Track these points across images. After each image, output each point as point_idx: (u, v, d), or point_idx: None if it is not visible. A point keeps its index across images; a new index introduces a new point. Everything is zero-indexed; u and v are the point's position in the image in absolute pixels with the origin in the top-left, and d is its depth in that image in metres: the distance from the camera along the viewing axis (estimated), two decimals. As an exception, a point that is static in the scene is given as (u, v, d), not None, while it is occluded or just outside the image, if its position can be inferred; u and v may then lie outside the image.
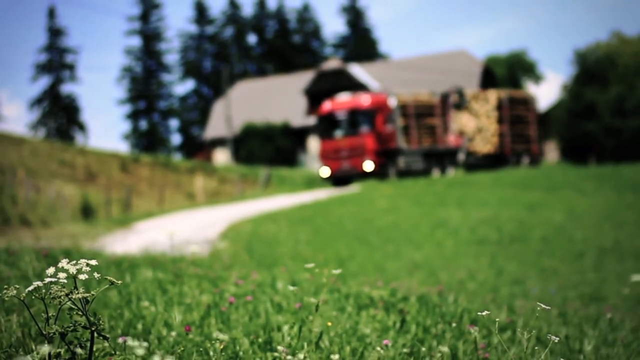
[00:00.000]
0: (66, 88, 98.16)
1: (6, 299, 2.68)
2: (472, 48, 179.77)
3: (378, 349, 3.36)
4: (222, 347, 3.37)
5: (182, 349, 3.35)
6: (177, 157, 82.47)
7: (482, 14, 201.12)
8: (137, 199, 39.81)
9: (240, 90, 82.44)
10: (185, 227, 21.13)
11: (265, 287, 5.89)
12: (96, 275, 2.71)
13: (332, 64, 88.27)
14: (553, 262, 15.28)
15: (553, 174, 41.50)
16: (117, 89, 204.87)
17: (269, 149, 65.84)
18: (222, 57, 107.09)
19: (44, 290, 2.75)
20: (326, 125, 34.46)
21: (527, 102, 45.21)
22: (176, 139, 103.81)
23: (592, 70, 66.01)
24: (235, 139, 69.74)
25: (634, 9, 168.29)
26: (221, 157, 73.30)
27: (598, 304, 10.05)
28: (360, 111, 33.89)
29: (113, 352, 2.90)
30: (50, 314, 2.94)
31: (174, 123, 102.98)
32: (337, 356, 3.37)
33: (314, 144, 66.72)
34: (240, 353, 3.60)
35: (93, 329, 2.74)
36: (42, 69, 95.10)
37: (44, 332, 2.71)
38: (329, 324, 3.93)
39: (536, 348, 3.45)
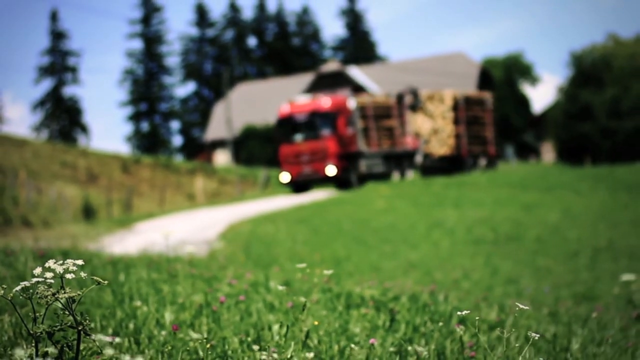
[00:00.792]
0: (68, 90, 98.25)
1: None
2: (469, 50, 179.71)
3: (357, 348, 3.35)
4: (209, 346, 3.37)
5: (169, 347, 3.34)
6: (177, 159, 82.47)
7: (480, 17, 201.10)
8: (138, 199, 39.81)
9: (240, 92, 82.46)
10: (186, 228, 21.13)
11: (259, 287, 5.89)
12: (83, 275, 2.71)
13: (331, 66, 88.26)
14: (547, 261, 15.28)
15: (549, 174, 41.52)
16: (119, 91, 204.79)
17: (268, 151, 65.85)
18: (223, 60, 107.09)
19: (31, 290, 2.75)
20: (285, 128, 32.88)
21: (483, 103, 43.32)
22: (177, 140, 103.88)
23: (588, 72, 66.04)
24: (235, 141, 69.78)
25: (629, 12, 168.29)
26: (221, 158, 73.32)
27: (590, 303, 10.05)
28: (321, 114, 32.40)
29: (100, 351, 2.90)
30: (42, 314, 2.94)
31: (175, 125, 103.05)
32: (325, 355, 3.37)
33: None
34: (229, 352, 3.61)
35: (80, 328, 2.74)
36: (45, 71, 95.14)
37: (32, 332, 2.71)
38: (316, 323, 3.93)
39: (517, 345, 3.44)
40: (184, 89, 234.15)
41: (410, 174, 37.38)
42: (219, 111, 78.74)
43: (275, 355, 3.39)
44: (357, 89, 64.11)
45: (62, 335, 2.78)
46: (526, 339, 4.48)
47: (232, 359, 3.57)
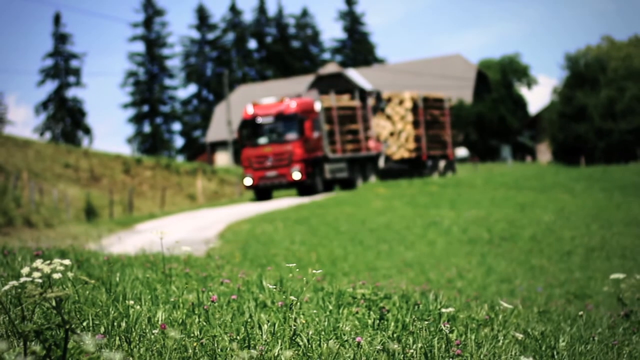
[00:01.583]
0: (71, 92, 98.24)
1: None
2: (466, 53, 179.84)
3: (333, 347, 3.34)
4: (199, 344, 3.36)
5: (158, 345, 3.34)
6: (178, 160, 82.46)
7: (477, 20, 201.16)
8: (139, 200, 39.81)
9: (240, 94, 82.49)
10: (185, 228, 21.14)
11: (252, 286, 5.90)
12: (70, 274, 2.71)
13: (330, 68, 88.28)
14: (541, 261, 15.29)
15: (544, 175, 41.52)
16: (121, 94, 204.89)
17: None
18: (223, 62, 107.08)
19: (20, 290, 2.74)
20: (249, 130, 30.91)
21: (442, 104, 41.54)
22: (178, 142, 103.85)
23: (583, 73, 66.07)
24: (235, 142, 69.77)
25: (623, 16, 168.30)
26: (222, 159, 73.34)
27: (582, 301, 10.05)
28: (287, 116, 30.39)
29: (86, 350, 2.89)
30: (32, 313, 2.93)
31: (176, 126, 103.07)
32: (313, 353, 3.37)
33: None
34: (218, 350, 3.61)
35: (67, 327, 2.74)
36: (48, 73, 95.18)
37: (20, 330, 2.71)
38: (303, 321, 3.93)
39: (504, 343, 3.44)
40: (185, 91, 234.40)
41: (373, 178, 35.58)
42: (219, 113, 78.78)
43: (264, 354, 3.39)
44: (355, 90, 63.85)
45: (50, 334, 2.78)
46: (514, 337, 4.47)
47: (221, 357, 3.57)
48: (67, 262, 2.70)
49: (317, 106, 31.88)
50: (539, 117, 75.86)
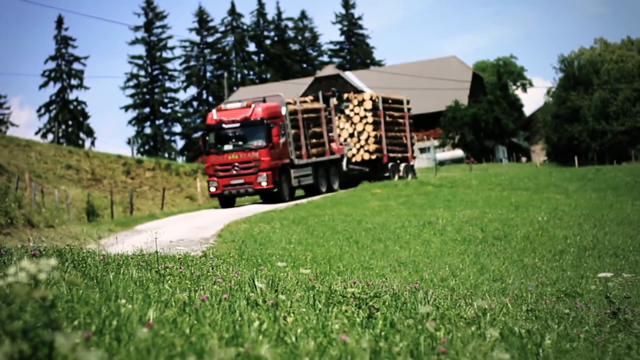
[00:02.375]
0: (74, 95, 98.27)
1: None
2: (463, 57, 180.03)
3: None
4: (183, 343, 3.36)
5: (148, 344, 3.34)
6: (179, 161, 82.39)
7: (473, 24, 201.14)
8: (139, 201, 39.81)
9: (240, 96, 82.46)
10: (185, 228, 21.14)
11: (244, 285, 5.89)
12: (56, 274, 2.70)
13: (328, 71, 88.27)
14: (534, 259, 15.28)
15: (539, 175, 41.53)
16: (122, 96, 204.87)
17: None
18: (223, 65, 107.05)
19: (8, 290, 2.74)
20: (213, 136, 28.92)
21: (401, 106, 39.35)
22: (178, 143, 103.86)
23: (577, 75, 66.13)
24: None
25: (617, 20, 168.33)
26: (222, 160, 73.29)
27: (573, 300, 10.04)
28: (253, 122, 28.50)
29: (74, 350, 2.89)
30: (19, 312, 2.92)
31: (176, 128, 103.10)
32: (299, 351, 3.37)
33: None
34: (207, 348, 3.60)
35: (54, 326, 2.73)
36: (51, 76, 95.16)
37: (7, 330, 2.70)
38: (290, 319, 3.93)
39: (490, 341, 3.44)
40: (185, 94, 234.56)
41: (336, 184, 33.24)
42: (219, 115, 78.70)
43: (251, 352, 3.39)
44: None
45: (38, 333, 2.77)
46: (501, 335, 4.47)
47: (209, 355, 3.57)
48: (53, 262, 2.69)
49: (283, 110, 30.06)
50: (534, 119, 75.93)
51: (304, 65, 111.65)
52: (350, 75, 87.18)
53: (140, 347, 3.39)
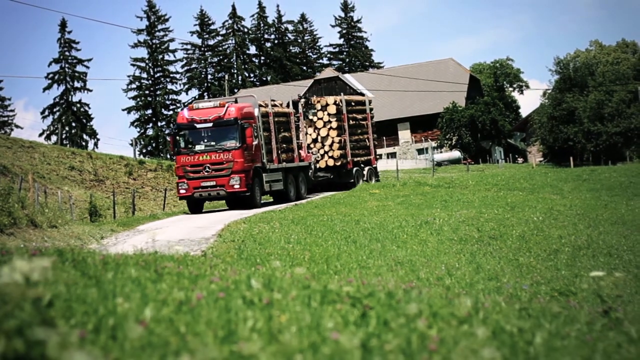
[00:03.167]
0: (77, 97, 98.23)
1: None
2: (459, 58, 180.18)
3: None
4: (177, 341, 3.36)
5: (144, 342, 3.33)
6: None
7: (471, 27, 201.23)
8: (141, 201, 39.81)
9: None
10: (185, 228, 21.16)
11: (241, 284, 5.88)
12: (53, 274, 2.70)
13: (327, 73, 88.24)
14: (529, 259, 15.28)
15: (534, 176, 41.54)
16: (125, 98, 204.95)
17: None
18: (224, 67, 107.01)
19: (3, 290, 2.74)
20: (184, 136, 27.41)
21: (364, 107, 37.72)
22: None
23: (572, 77, 66.14)
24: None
25: (611, 21, 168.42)
26: (223, 161, 73.30)
27: (566, 298, 10.03)
28: (226, 122, 27.02)
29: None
30: (14, 310, 2.92)
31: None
32: (293, 349, 3.36)
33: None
34: (201, 346, 3.60)
35: (49, 324, 2.73)
36: (55, 79, 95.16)
37: (1, 328, 2.70)
38: (283, 318, 3.92)
39: (481, 339, 3.43)
40: (187, 96, 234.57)
41: (303, 189, 31.91)
42: (220, 116, 78.69)
43: (244, 350, 3.38)
44: (352, 94, 63.69)
45: (33, 331, 2.77)
46: (492, 333, 4.47)
47: (203, 353, 3.57)
48: (46, 262, 2.69)
49: (256, 112, 28.72)
50: (530, 120, 76.00)
51: (304, 68, 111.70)
52: (349, 78, 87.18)
53: (136, 345, 3.39)
